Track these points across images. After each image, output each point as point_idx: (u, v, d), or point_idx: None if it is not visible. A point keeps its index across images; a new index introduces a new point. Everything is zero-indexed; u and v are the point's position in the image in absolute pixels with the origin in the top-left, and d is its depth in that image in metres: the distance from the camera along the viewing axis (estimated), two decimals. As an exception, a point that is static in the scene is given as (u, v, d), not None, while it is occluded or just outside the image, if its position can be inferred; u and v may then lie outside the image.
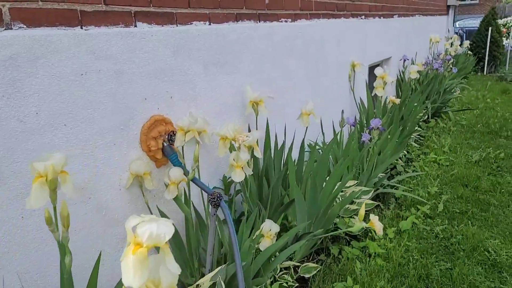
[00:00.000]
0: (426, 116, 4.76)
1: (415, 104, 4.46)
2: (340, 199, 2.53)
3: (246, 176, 1.79)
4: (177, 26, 1.76)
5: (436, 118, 5.07)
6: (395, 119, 3.16)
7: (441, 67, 5.32)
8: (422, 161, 3.71)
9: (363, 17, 3.91)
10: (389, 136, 3.25)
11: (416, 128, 4.17)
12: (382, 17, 4.45)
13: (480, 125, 4.81)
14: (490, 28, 8.62)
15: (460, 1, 10.78)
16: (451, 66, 6.06)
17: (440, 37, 7.18)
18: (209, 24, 1.95)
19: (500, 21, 9.87)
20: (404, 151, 3.59)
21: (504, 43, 9.59)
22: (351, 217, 2.50)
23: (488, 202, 2.96)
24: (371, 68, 4.66)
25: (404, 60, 5.12)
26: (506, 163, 3.70)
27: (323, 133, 2.93)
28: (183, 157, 1.71)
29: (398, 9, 4.99)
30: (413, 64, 5.05)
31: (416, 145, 4.06)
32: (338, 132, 2.93)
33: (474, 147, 4.13)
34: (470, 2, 22.63)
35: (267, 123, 2.33)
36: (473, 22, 15.05)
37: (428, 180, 3.34)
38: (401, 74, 5.27)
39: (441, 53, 6.89)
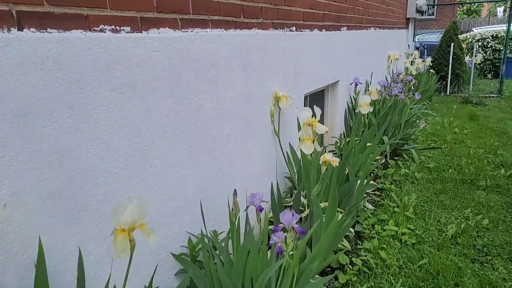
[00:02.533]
0: (384, 160, 3.64)
1: (368, 144, 3.34)
2: None
3: None
4: None
5: (396, 158, 3.98)
6: (331, 194, 1.96)
7: (401, 92, 4.26)
8: (378, 237, 2.55)
9: (293, 28, 2.73)
10: (324, 211, 2.06)
11: (371, 181, 3.02)
12: (324, 30, 3.31)
13: (451, 170, 3.74)
14: (452, 44, 7.81)
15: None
16: (413, 90, 5.05)
17: (399, 54, 6.21)
18: None
19: (460, 37, 9.15)
20: (351, 230, 2.40)
21: (465, 60, 8.85)
22: None
23: (482, 334, 1.80)
24: (318, 97, 3.51)
25: (356, 84, 4.02)
26: (493, 236, 2.60)
27: (205, 230, 1.68)
28: None
29: (346, 19, 3.88)
30: (368, 89, 3.95)
31: (370, 207, 2.90)
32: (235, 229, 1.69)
33: (448, 207, 3.03)
34: (427, 17, 22.57)
35: (41, 257, 1.05)
36: (433, 37, 14.57)
37: (385, 279, 2.16)
38: (353, 101, 4.16)
39: (401, 73, 5.91)
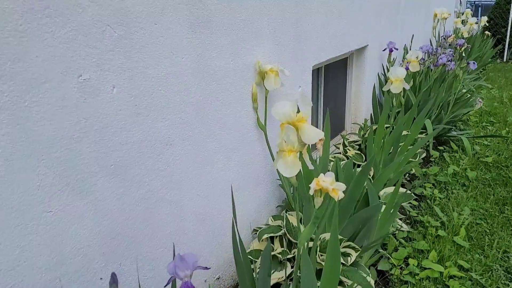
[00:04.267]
0: (424, 153, 2.70)
1: (404, 133, 2.45)
2: None
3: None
4: None
5: (440, 148, 3.03)
6: (330, 253, 1.11)
7: (451, 60, 3.25)
8: (412, 281, 1.70)
9: (292, -35, 1.82)
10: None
11: (406, 190, 2.13)
12: (345, -27, 2.36)
13: (518, 167, 2.77)
14: (513, 0, 6.47)
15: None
16: (465, 57, 3.98)
17: (448, 12, 5.06)
18: None
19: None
20: (368, 280, 1.56)
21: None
22: None
23: None
24: (337, 69, 2.60)
25: (391, 50, 3.05)
26: None
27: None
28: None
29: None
30: (405, 57, 2.97)
31: (404, 227, 2.03)
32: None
33: (517, 227, 2.12)
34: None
35: None
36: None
37: None
38: (386, 73, 3.21)
39: (450, 35, 4.78)
